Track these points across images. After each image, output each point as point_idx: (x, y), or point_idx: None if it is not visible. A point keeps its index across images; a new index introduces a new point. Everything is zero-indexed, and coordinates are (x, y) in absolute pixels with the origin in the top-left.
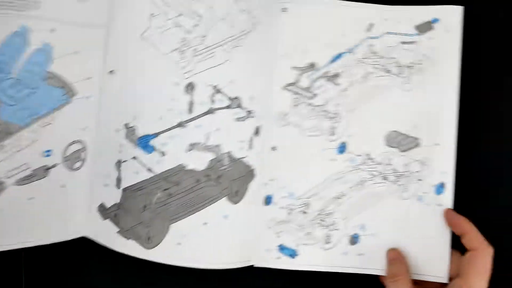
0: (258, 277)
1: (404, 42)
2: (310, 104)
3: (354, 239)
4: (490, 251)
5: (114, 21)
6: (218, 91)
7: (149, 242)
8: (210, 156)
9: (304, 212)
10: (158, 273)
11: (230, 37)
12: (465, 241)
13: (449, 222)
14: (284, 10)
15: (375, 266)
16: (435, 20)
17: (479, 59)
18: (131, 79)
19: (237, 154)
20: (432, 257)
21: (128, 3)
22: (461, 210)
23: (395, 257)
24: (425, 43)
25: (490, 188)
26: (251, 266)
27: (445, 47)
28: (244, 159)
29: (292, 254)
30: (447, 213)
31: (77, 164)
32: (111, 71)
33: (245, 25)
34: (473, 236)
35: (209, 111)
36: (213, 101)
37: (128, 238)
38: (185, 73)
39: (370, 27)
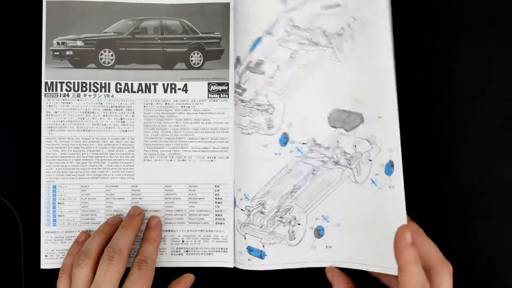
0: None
1: (327, 7)
2: (242, 101)
3: (319, 232)
4: (450, 268)
5: None
6: None
7: None
8: None
9: (262, 212)
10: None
11: None
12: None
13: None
14: None
15: (345, 258)
16: None
17: (414, 19)
18: None
19: None
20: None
21: None
22: (411, 192)
23: None
24: (351, 3)
25: (437, 162)
26: None
27: (374, 6)
28: None
29: (261, 255)
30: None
31: None
32: None
33: None
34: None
35: None
36: None
37: None
38: None
39: None
